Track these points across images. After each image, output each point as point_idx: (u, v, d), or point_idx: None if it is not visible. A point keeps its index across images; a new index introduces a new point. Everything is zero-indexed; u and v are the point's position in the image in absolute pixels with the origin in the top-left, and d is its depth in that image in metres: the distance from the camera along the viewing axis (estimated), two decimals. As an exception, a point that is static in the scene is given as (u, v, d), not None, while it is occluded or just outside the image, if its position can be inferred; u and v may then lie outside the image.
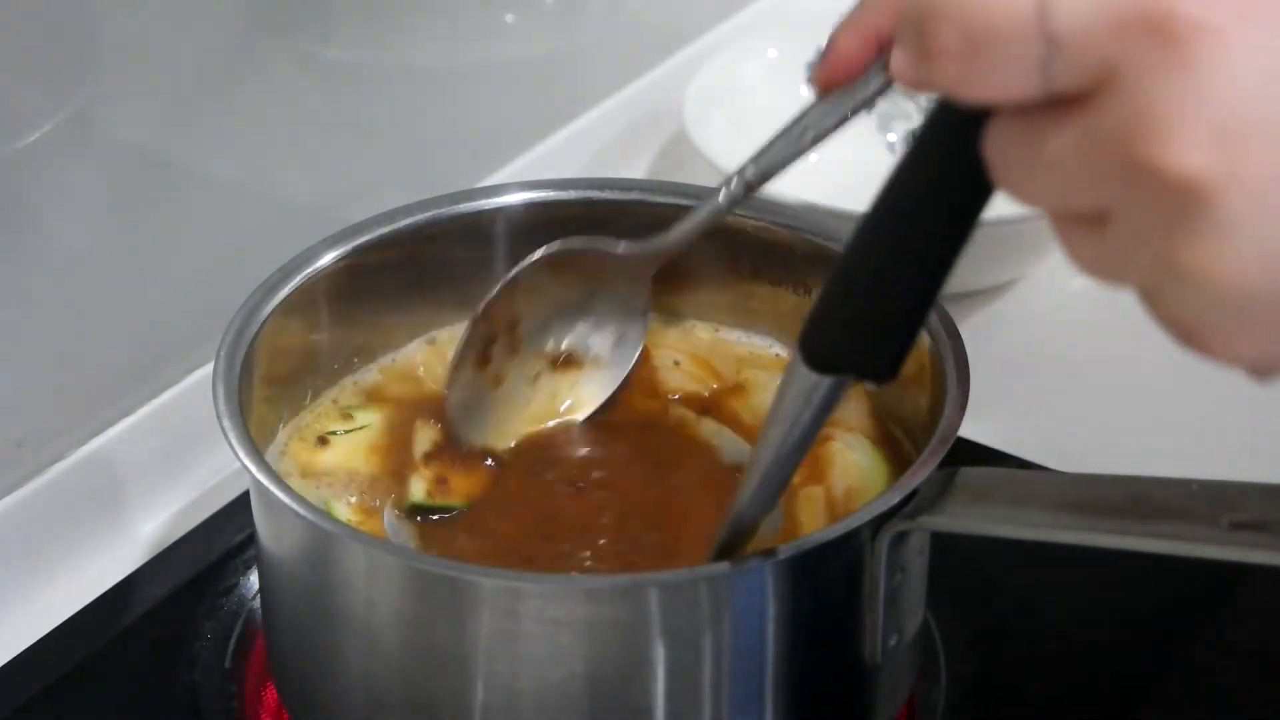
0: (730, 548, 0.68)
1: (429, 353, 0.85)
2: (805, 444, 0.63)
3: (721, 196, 0.75)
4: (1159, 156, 0.43)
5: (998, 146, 0.47)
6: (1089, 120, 0.44)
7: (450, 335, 0.85)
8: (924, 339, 0.77)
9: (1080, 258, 0.48)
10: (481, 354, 0.79)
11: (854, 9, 0.70)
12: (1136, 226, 0.44)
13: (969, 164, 0.48)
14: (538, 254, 0.79)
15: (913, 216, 0.53)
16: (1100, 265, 0.47)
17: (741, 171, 0.74)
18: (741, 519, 0.67)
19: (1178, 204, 0.43)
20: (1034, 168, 0.46)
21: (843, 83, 0.69)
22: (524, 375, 0.81)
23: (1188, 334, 0.46)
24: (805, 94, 1.21)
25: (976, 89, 0.45)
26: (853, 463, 0.79)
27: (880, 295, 0.55)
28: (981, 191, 0.51)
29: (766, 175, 0.73)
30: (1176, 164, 0.42)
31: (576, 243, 0.79)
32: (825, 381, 0.60)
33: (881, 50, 0.68)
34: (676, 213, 0.84)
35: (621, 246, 0.79)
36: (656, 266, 0.80)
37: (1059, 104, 0.44)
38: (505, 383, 0.80)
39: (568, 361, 0.82)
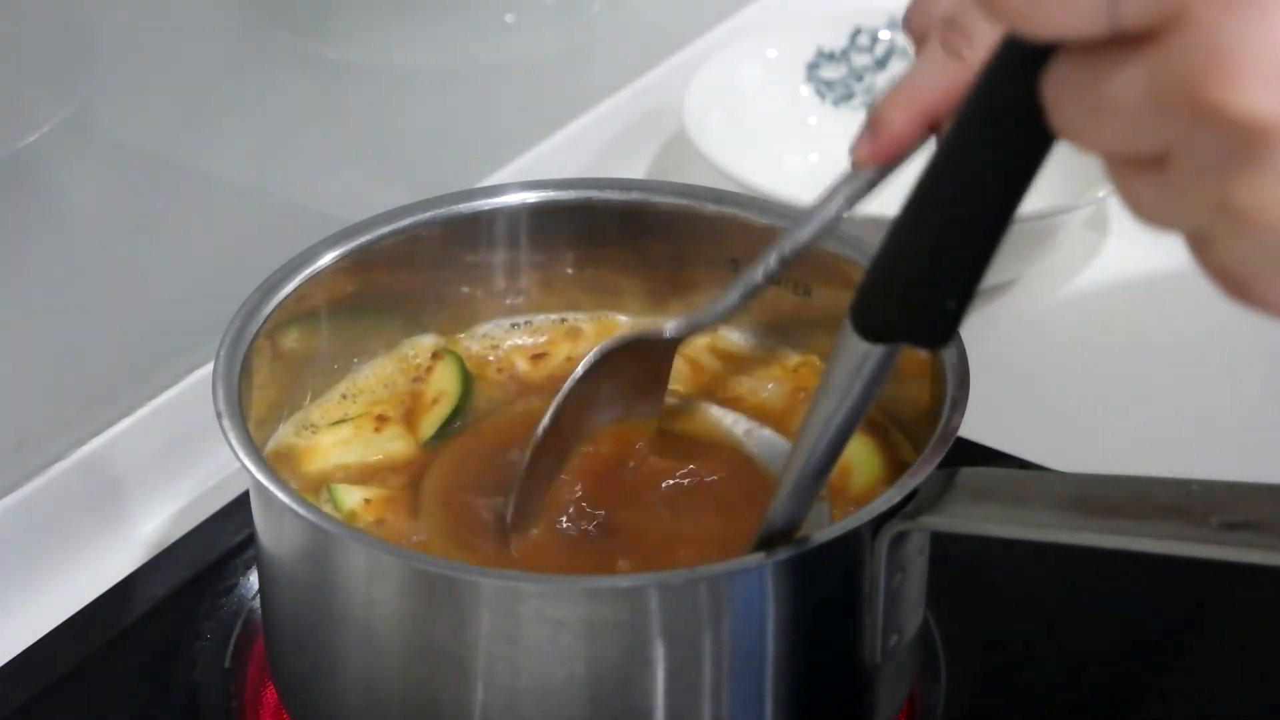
0: (777, 537, 0.67)
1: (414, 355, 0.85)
2: (857, 417, 0.62)
3: (760, 273, 0.74)
4: (1225, 97, 0.42)
5: (1059, 88, 0.46)
6: (1155, 59, 0.43)
7: (440, 339, 0.86)
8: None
9: (1135, 202, 0.47)
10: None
11: (903, 82, 0.68)
12: (1197, 168, 0.44)
13: (1029, 114, 0.48)
14: (591, 358, 0.76)
15: (970, 173, 0.52)
16: (1156, 209, 0.47)
17: (780, 246, 0.73)
18: (790, 503, 0.66)
19: (1241, 146, 0.42)
20: (1095, 109, 0.45)
21: (889, 161, 0.68)
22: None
23: (1237, 282, 0.46)
24: (804, 94, 1.22)
25: (1042, 23, 0.44)
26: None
27: (936, 257, 0.54)
28: (1041, 142, 0.51)
29: (800, 249, 0.72)
30: (1243, 105, 0.42)
31: (627, 338, 0.77)
32: (877, 351, 0.59)
33: (933, 128, 0.67)
34: (678, 213, 0.85)
35: (668, 330, 0.77)
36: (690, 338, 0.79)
37: (1124, 42, 0.44)
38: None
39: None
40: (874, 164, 0.68)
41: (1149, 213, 0.47)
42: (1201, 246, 0.47)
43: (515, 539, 0.74)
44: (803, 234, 0.71)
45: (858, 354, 0.60)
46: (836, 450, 0.64)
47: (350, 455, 0.80)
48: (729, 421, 0.81)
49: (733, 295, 0.74)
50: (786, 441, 0.79)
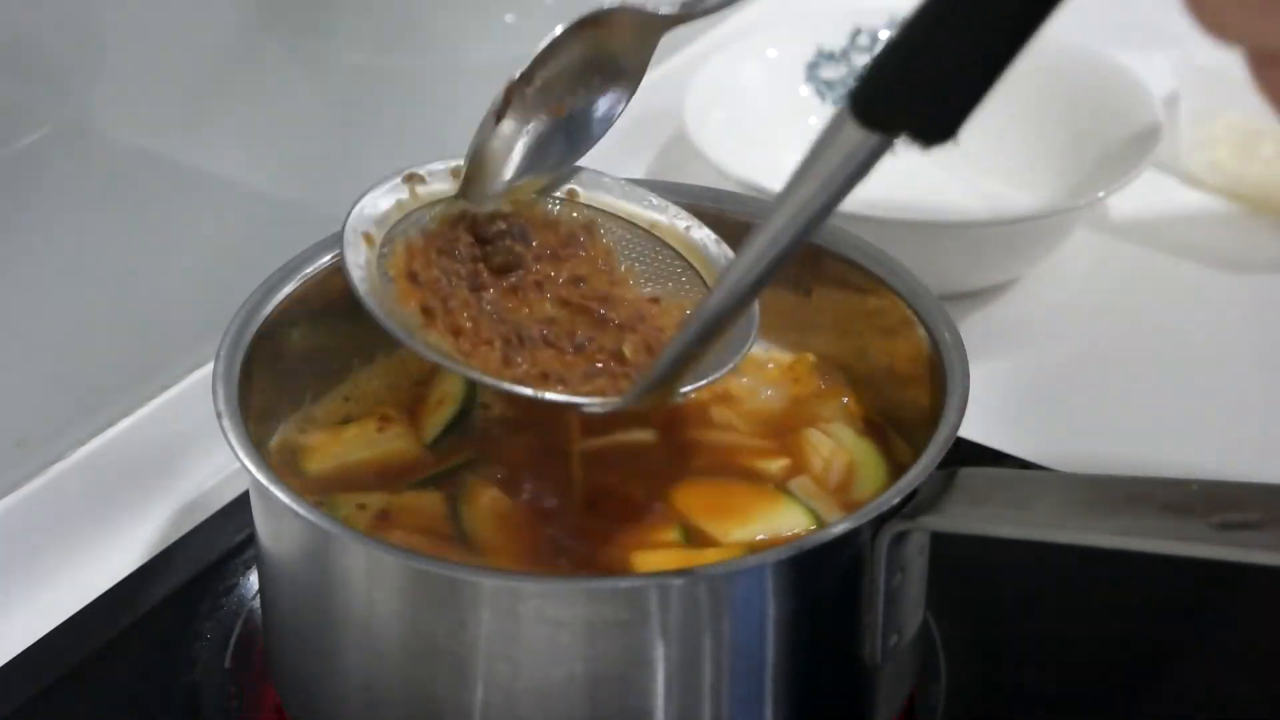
0: (706, 333, 0.65)
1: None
2: (827, 211, 0.59)
3: None
4: None
5: None
6: None
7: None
8: (924, 339, 0.77)
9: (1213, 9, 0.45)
10: (500, 112, 0.77)
11: None
12: None
13: None
14: (582, 17, 0.75)
15: None
16: (1235, 17, 0.45)
17: None
18: (735, 291, 0.63)
19: None
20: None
21: None
22: (525, 127, 0.78)
23: None
24: (804, 94, 1.22)
25: None
26: (838, 444, 0.80)
27: (957, 51, 0.53)
28: None
29: None
30: None
31: (623, 5, 0.76)
32: (872, 140, 0.56)
33: None
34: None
35: (664, 6, 0.75)
36: (671, 28, 0.77)
37: None
38: (506, 133, 0.78)
39: (558, 111, 0.79)
40: None
41: (1220, 22, 0.45)
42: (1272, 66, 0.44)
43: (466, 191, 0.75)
44: None
45: (851, 142, 0.57)
46: (799, 241, 0.61)
47: (353, 455, 0.80)
48: (666, 217, 0.81)
49: None
50: (724, 248, 0.79)
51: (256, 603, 0.84)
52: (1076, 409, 1.01)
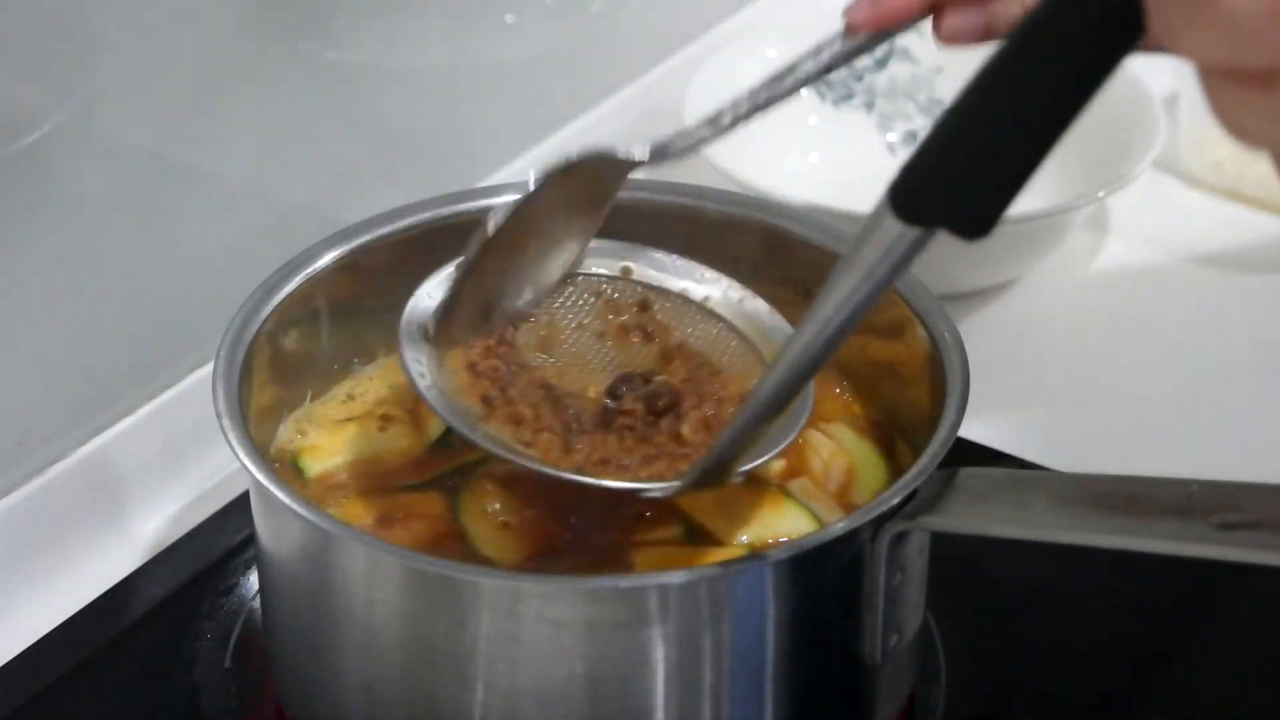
0: (762, 417, 0.66)
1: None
2: (871, 301, 0.61)
3: (728, 117, 0.73)
4: None
5: None
6: None
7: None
8: (924, 339, 0.77)
9: (1231, 117, 0.46)
10: (473, 264, 0.76)
11: None
12: None
13: (1121, 7, 0.47)
14: (557, 165, 0.74)
15: (1044, 63, 0.51)
16: (1253, 126, 0.45)
17: (754, 95, 0.72)
18: (787, 379, 0.65)
19: None
20: (1205, 18, 0.44)
21: (883, 29, 0.67)
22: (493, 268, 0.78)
23: None
24: (803, 94, 1.22)
25: None
26: (838, 445, 0.80)
27: (993, 145, 0.54)
28: (1126, 39, 0.49)
29: (770, 101, 0.71)
30: None
31: (599, 153, 0.75)
32: (911, 234, 0.58)
33: (935, 7, 0.67)
34: (679, 213, 0.85)
35: (638, 153, 0.74)
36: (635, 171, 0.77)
37: None
38: (482, 279, 0.77)
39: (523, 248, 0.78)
40: (867, 31, 0.68)
41: (1244, 129, 0.46)
42: (1253, 91, 0.45)
43: (439, 342, 0.74)
44: (778, 88, 0.71)
45: (891, 235, 0.58)
46: (847, 330, 0.63)
47: (354, 454, 0.80)
48: (720, 290, 0.80)
49: (703, 130, 0.73)
50: (778, 318, 0.79)
51: (256, 603, 0.84)
52: (1076, 409, 1.01)
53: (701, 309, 0.80)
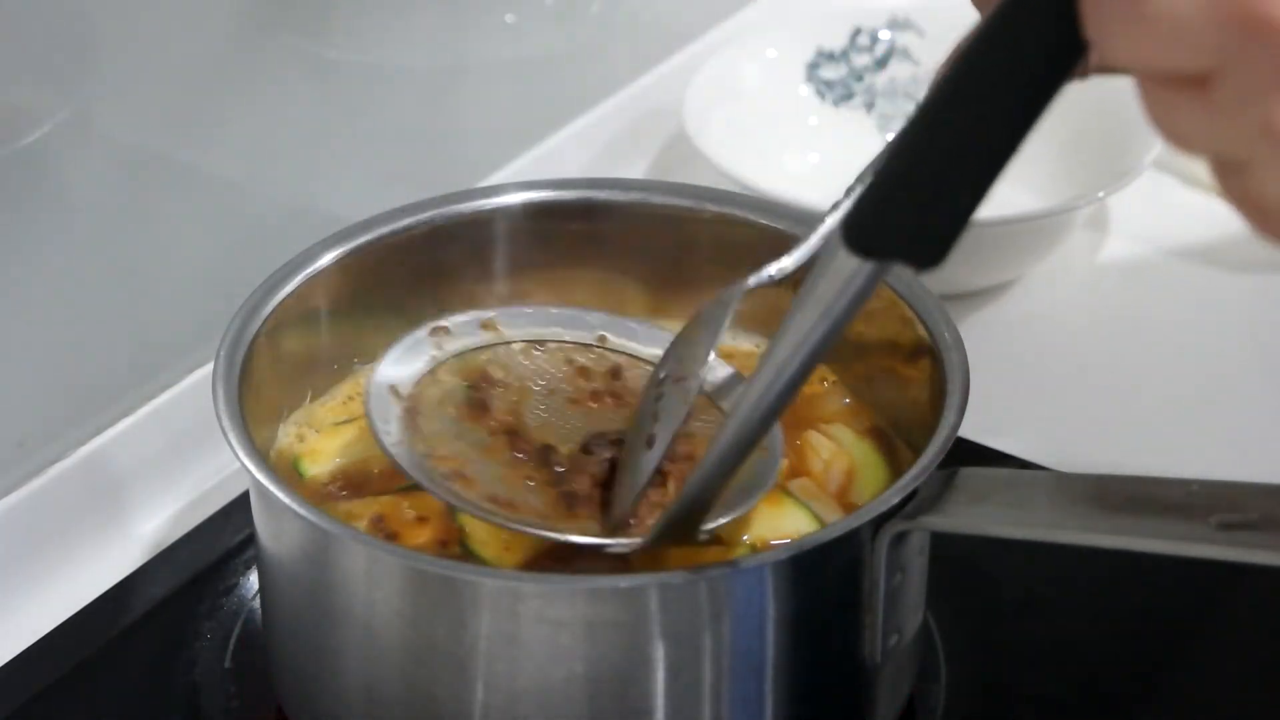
0: (727, 467, 0.66)
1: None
2: (830, 340, 0.60)
3: (831, 218, 0.74)
4: None
5: None
6: None
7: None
8: (924, 339, 0.77)
9: (1169, 124, 0.46)
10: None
11: None
12: (1243, 89, 0.42)
13: (1062, 20, 0.47)
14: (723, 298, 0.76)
15: (990, 84, 0.51)
16: (1191, 132, 0.45)
17: (850, 190, 0.73)
18: (746, 425, 0.64)
19: None
20: (1138, 21, 0.44)
21: None
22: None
23: (1269, 214, 0.44)
24: (803, 94, 1.22)
25: None
26: (838, 445, 0.80)
27: (942, 174, 0.53)
28: (1070, 55, 0.49)
29: None
30: None
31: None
32: (866, 268, 0.58)
33: None
34: (678, 213, 0.85)
35: (752, 280, 0.76)
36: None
37: None
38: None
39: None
40: None
41: (1182, 135, 0.46)
42: (1233, 174, 0.45)
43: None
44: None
45: (845, 271, 0.58)
46: (807, 372, 0.62)
47: (353, 455, 0.80)
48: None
49: (808, 245, 0.75)
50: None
51: (256, 603, 0.84)
52: (1076, 409, 1.01)
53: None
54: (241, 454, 0.70)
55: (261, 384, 0.77)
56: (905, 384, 0.79)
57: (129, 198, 0.92)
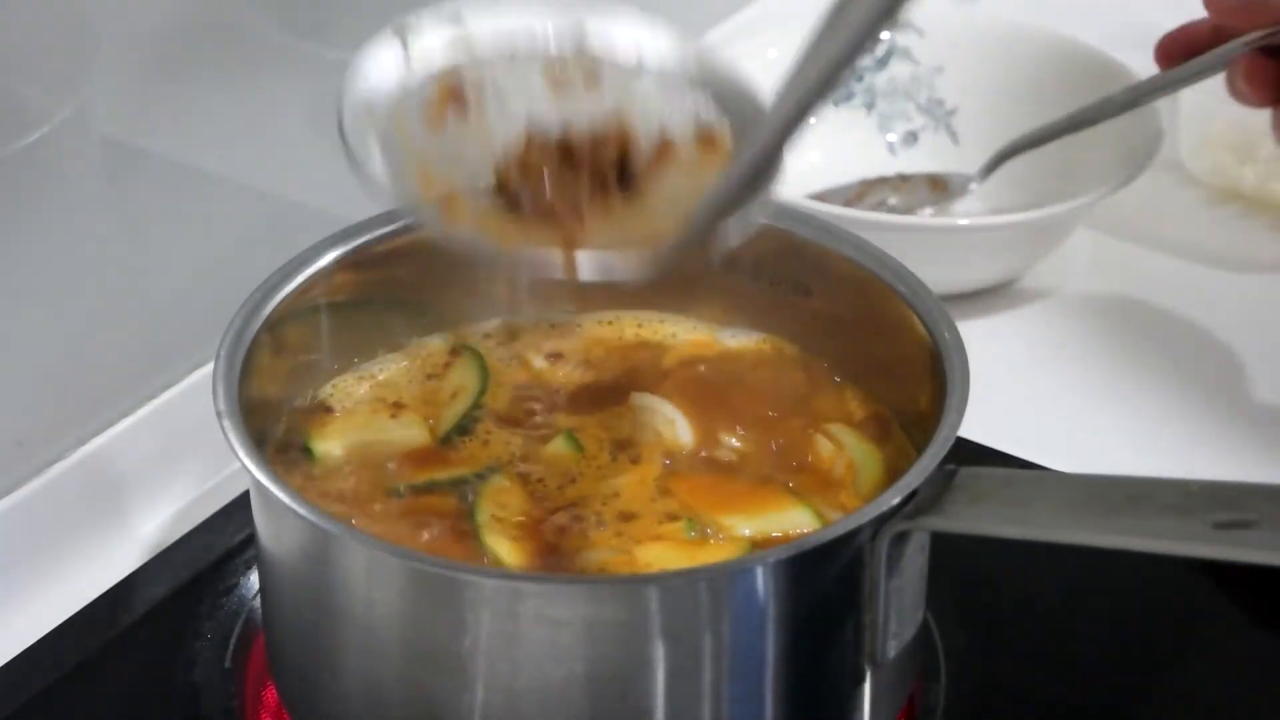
0: (740, 183, 0.64)
1: (428, 353, 0.85)
2: (855, 56, 0.60)
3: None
4: None
5: None
6: None
7: (446, 337, 0.86)
8: (924, 339, 0.77)
9: None
10: None
11: None
12: None
13: None
14: None
15: None
16: None
17: None
18: (768, 139, 0.63)
19: None
20: None
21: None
22: None
23: None
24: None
25: None
26: (839, 445, 0.80)
27: None
28: None
29: None
30: None
31: None
32: None
33: None
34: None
35: None
36: None
37: None
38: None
39: None
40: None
41: None
42: None
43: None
44: None
45: None
46: (830, 88, 0.61)
47: (364, 436, 0.80)
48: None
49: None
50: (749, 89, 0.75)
51: (256, 602, 0.84)
52: (1076, 409, 1.01)
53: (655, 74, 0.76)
54: (241, 454, 0.70)
55: (262, 384, 0.77)
56: (905, 384, 0.79)
57: (129, 198, 0.92)
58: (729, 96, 0.75)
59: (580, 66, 0.75)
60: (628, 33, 0.76)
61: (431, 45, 0.73)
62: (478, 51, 0.74)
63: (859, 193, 1.16)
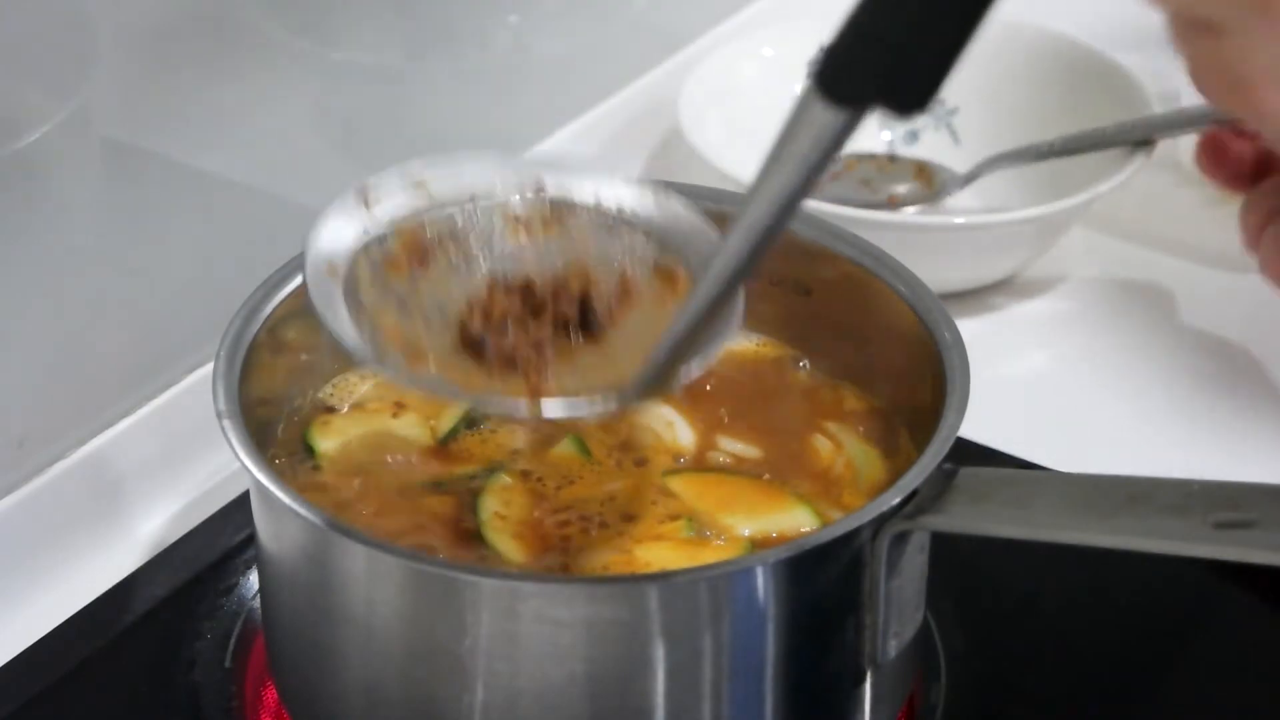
0: (699, 318, 0.65)
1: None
2: (805, 193, 0.60)
3: None
4: None
5: None
6: None
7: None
8: (924, 339, 0.77)
9: (1193, 68, 0.47)
10: None
11: None
12: None
13: None
14: None
15: None
16: (1208, 79, 0.46)
17: None
18: (722, 276, 0.63)
19: None
20: None
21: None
22: None
23: (1236, 84, 0.45)
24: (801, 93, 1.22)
25: None
26: (839, 444, 0.80)
27: (925, 11, 0.52)
28: None
29: None
30: None
31: None
32: (842, 116, 0.56)
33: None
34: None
35: None
36: None
37: None
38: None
39: None
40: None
41: (1200, 81, 0.47)
42: (1208, 38, 0.45)
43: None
44: None
45: (822, 121, 0.57)
46: (781, 226, 0.61)
47: (364, 436, 0.80)
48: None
49: None
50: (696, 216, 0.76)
51: (256, 603, 0.84)
52: (1076, 409, 1.01)
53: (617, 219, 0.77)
54: (241, 454, 0.70)
55: (262, 384, 0.77)
56: (905, 384, 0.79)
57: (129, 197, 0.92)
58: (689, 240, 0.76)
59: (539, 213, 0.77)
60: (585, 183, 0.78)
61: (393, 201, 0.76)
62: (438, 201, 0.76)
63: (847, 164, 1.16)
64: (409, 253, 0.74)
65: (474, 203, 0.76)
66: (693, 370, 0.70)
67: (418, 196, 0.76)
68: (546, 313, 0.72)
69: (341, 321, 0.70)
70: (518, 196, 0.77)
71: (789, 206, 0.60)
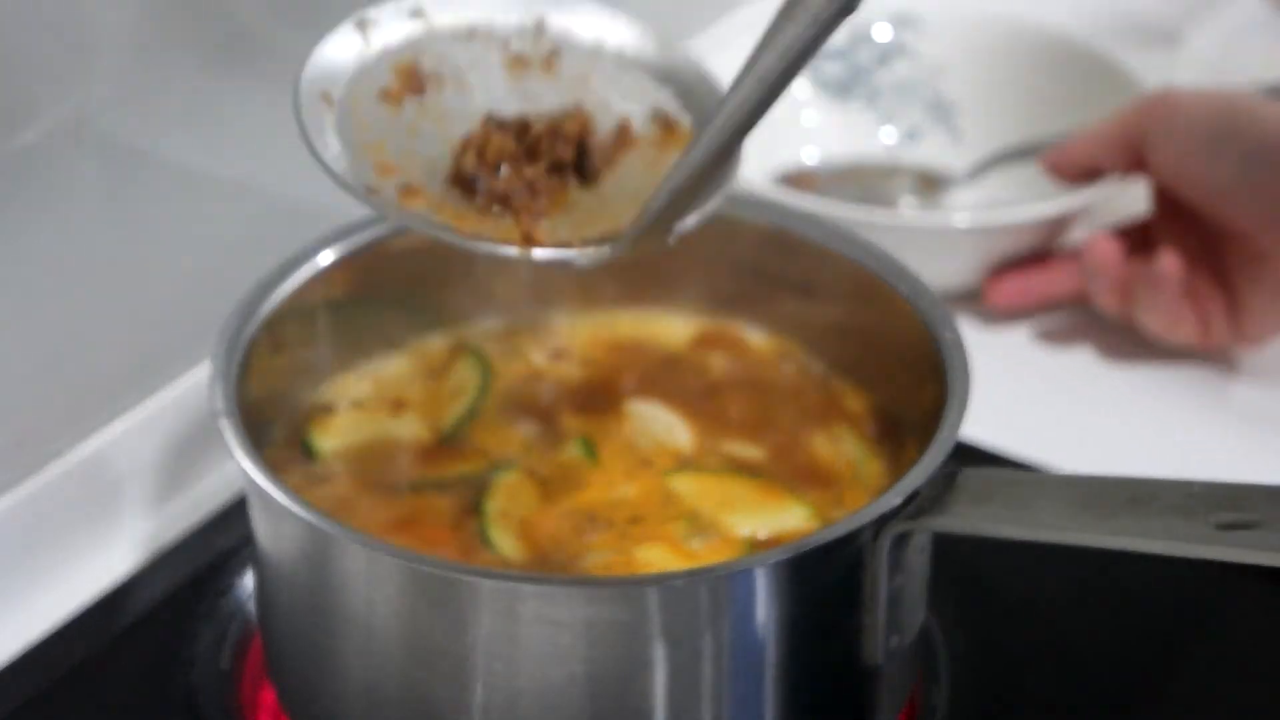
0: (705, 168, 0.65)
1: (428, 351, 0.85)
2: (815, 44, 0.61)
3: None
4: None
5: None
6: None
7: (447, 335, 0.86)
8: (924, 339, 0.77)
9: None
10: None
11: None
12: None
13: None
14: None
15: None
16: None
17: None
18: (726, 127, 0.64)
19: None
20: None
21: None
22: None
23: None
24: (804, 91, 1.22)
25: None
26: (839, 447, 0.80)
27: None
28: None
29: None
30: None
31: None
32: None
33: None
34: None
35: None
36: None
37: None
38: None
39: None
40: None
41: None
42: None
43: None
44: None
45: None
46: (789, 77, 0.62)
47: (365, 434, 0.80)
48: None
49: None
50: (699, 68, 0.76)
51: (254, 603, 0.83)
52: (1076, 409, 1.01)
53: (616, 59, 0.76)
54: (240, 454, 0.70)
55: (260, 384, 0.77)
56: (906, 384, 0.79)
57: (128, 197, 0.92)
58: (691, 89, 0.75)
59: (540, 52, 0.75)
60: (589, 23, 0.76)
61: (391, 32, 0.74)
62: (437, 35, 0.74)
63: (848, 164, 1.17)
64: (404, 82, 0.73)
65: (473, 36, 0.75)
66: (689, 223, 0.69)
67: (416, 26, 0.74)
68: (541, 154, 0.71)
69: (332, 151, 0.69)
70: (519, 35, 0.76)
71: (799, 59, 0.61)
